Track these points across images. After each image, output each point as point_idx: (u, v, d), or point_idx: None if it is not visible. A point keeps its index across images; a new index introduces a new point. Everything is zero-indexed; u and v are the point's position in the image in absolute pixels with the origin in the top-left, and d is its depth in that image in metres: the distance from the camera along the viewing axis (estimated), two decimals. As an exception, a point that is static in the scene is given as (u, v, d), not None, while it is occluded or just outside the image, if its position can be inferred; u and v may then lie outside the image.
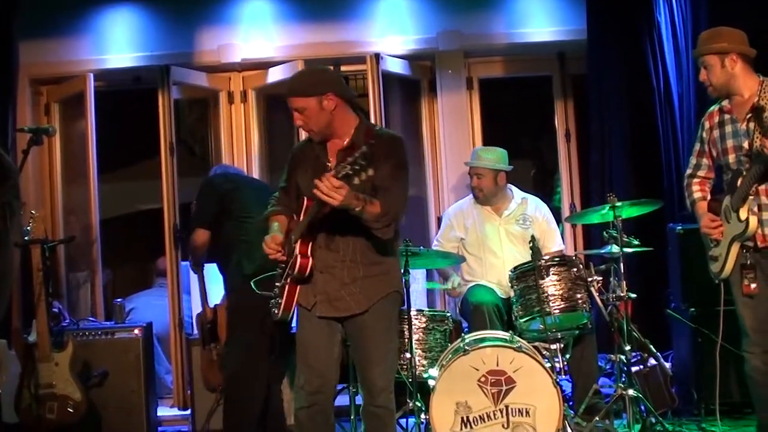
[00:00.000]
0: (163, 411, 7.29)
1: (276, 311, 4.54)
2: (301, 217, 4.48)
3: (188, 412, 6.86)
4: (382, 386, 4.52)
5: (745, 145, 4.78)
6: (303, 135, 4.88)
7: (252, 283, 4.92)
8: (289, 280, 4.50)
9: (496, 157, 6.65)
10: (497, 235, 6.59)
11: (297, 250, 4.45)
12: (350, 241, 4.49)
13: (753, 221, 4.82)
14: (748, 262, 4.83)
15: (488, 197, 6.63)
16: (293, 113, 4.52)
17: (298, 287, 4.53)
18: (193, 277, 6.50)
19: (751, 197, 4.78)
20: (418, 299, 6.95)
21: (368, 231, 4.43)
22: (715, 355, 5.24)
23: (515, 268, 5.91)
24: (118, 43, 7.84)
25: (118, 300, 7.11)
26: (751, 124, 4.74)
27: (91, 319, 7.30)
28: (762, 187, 4.77)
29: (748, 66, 4.90)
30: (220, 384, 5.99)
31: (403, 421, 5.84)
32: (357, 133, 4.55)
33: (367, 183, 4.18)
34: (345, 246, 4.50)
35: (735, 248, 4.86)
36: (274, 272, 4.65)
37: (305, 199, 4.49)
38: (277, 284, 4.56)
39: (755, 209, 4.78)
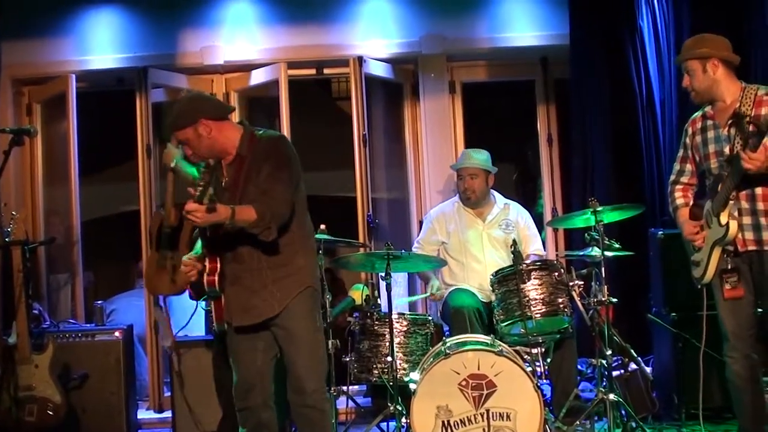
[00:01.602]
0: (145, 414, 7.26)
1: (212, 324, 4.78)
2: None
3: (168, 414, 6.82)
4: (312, 387, 4.61)
5: (726, 150, 4.82)
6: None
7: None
8: (206, 296, 4.68)
9: (486, 158, 6.69)
10: (480, 240, 6.60)
11: (207, 268, 4.60)
12: (253, 249, 4.59)
13: (733, 226, 4.84)
14: (729, 267, 4.86)
15: (479, 199, 6.65)
16: (182, 147, 4.69)
17: (222, 301, 4.66)
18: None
19: (731, 202, 4.81)
20: (400, 300, 6.96)
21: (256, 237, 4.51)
22: (697, 360, 5.26)
23: (497, 272, 5.92)
24: (101, 45, 7.81)
25: (99, 302, 7.08)
26: (733, 130, 4.78)
27: (71, 321, 7.26)
28: (742, 192, 4.80)
29: (731, 72, 4.93)
30: (171, 293, 5.91)
31: (384, 425, 5.84)
32: (241, 143, 4.64)
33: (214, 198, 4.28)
34: (249, 255, 4.61)
35: (716, 253, 4.89)
36: None
37: None
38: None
39: (735, 213, 4.80)
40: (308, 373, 4.60)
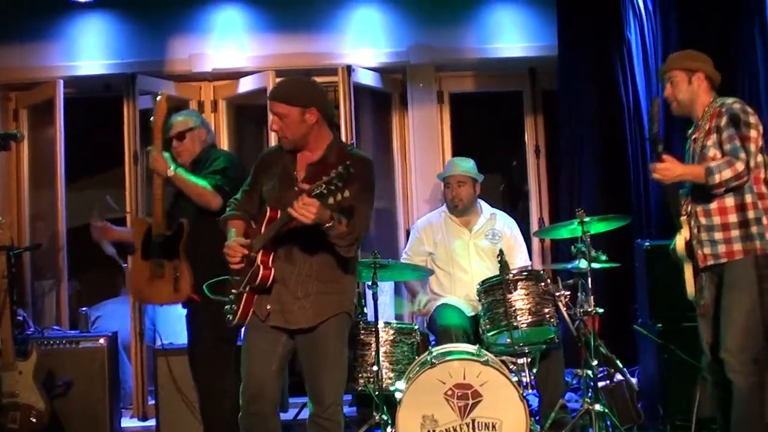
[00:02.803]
0: (129, 422, 7.23)
1: (231, 318, 4.57)
2: (263, 227, 4.49)
3: (152, 423, 6.79)
4: (331, 399, 4.54)
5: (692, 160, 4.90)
6: (273, 143, 4.87)
7: (204, 288, 4.94)
8: (248, 288, 4.50)
9: (473, 166, 6.71)
10: (466, 250, 6.60)
11: (259, 260, 4.46)
12: (309, 255, 4.51)
13: (677, 241, 4.91)
14: (701, 284, 4.91)
15: (466, 207, 6.66)
16: (272, 116, 4.54)
17: (255, 296, 4.55)
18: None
19: (682, 217, 4.89)
20: (385, 312, 6.94)
21: (329, 248, 4.44)
22: (682, 371, 5.29)
23: (483, 281, 5.92)
24: (89, 50, 7.80)
25: (84, 309, 7.06)
26: (714, 136, 4.82)
27: (55, 327, 7.24)
28: (699, 208, 4.86)
29: (711, 90, 4.99)
30: (171, 301, 5.67)
31: (369, 434, 5.83)
32: (329, 150, 4.58)
33: (341, 203, 4.18)
34: (303, 260, 4.51)
35: (687, 269, 4.94)
36: (226, 276, 4.66)
37: (269, 208, 4.50)
38: (233, 291, 4.57)
39: (684, 229, 4.87)
40: (330, 388, 4.54)
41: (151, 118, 5.50)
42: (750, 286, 4.71)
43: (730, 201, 4.77)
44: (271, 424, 4.62)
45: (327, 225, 4.22)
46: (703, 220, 4.84)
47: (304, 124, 4.50)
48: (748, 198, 4.76)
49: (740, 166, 4.64)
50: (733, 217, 4.77)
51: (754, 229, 4.73)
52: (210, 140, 5.85)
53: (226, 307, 4.59)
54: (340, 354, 4.62)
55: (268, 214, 4.49)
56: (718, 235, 4.79)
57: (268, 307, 4.52)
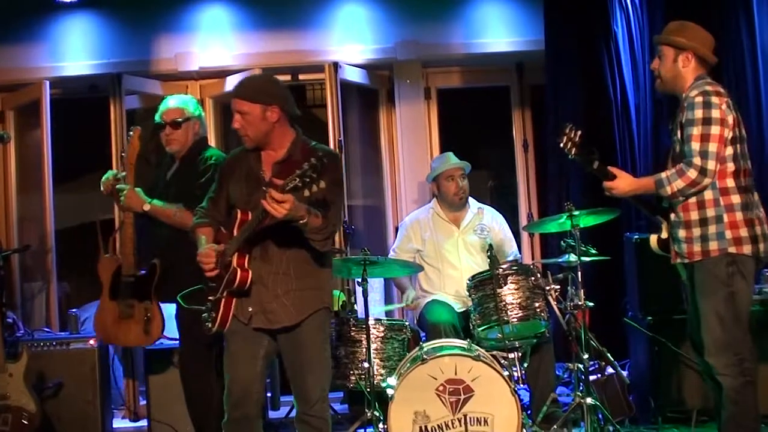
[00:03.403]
0: (120, 422, 7.22)
1: (211, 325, 4.54)
2: (235, 230, 4.47)
3: (144, 423, 6.78)
4: (317, 396, 4.54)
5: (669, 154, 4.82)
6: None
7: (179, 298, 4.93)
8: (225, 293, 4.48)
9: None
10: (455, 246, 6.60)
11: (235, 263, 4.43)
12: (285, 253, 4.49)
13: (651, 238, 4.89)
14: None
15: (464, 201, 6.65)
16: (234, 114, 4.52)
17: (234, 300, 4.53)
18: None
19: (658, 216, 4.85)
20: (375, 308, 6.94)
21: (304, 244, 4.42)
22: (673, 363, 5.27)
23: (473, 276, 5.91)
24: (75, 51, 7.78)
25: (73, 310, 7.03)
26: (679, 132, 4.73)
27: (45, 329, 7.22)
28: (678, 204, 4.74)
29: (703, 70, 4.80)
30: (140, 344, 5.64)
31: (361, 431, 5.82)
32: (293, 147, 4.57)
33: (316, 195, 4.16)
34: (279, 258, 4.50)
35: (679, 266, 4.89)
36: (200, 286, 4.65)
37: (239, 211, 4.48)
38: (210, 298, 4.54)
39: (663, 225, 4.84)
40: (315, 384, 4.54)
41: (123, 154, 5.47)
42: (716, 288, 4.60)
43: (692, 198, 4.64)
44: (256, 426, 4.63)
45: (302, 221, 4.22)
46: (672, 216, 4.76)
47: (265, 122, 4.48)
48: (709, 195, 4.62)
49: (693, 174, 4.52)
50: (694, 215, 4.65)
51: (712, 229, 4.60)
52: (202, 133, 5.76)
53: (203, 315, 4.58)
54: (323, 350, 4.63)
55: (239, 216, 4.47)
56: (681, 233, 4.70)
57: (250, 309, 4.51)
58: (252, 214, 4.37)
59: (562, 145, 4.71)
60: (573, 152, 4.71)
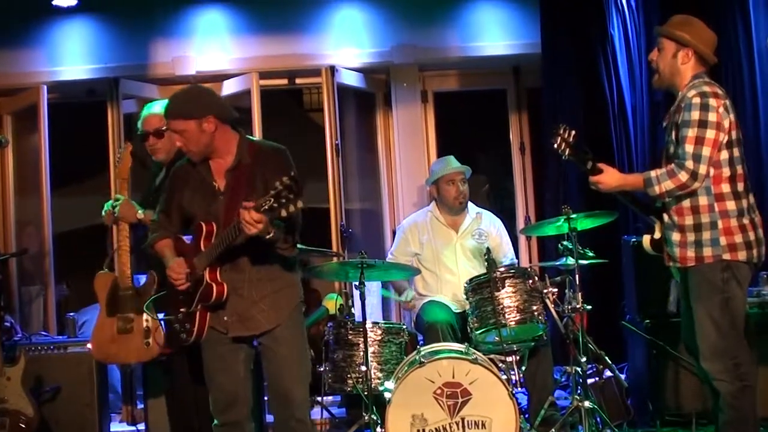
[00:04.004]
0: (118, 426, 7.22)
1: (186, 336, 4.54)
2: (202, 242, 4.47)
3: (141, 427, 6.77)
4: (300, 399, 4.56)
5: (671, 149, 4.72)
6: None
7: (145, 308, 4.95)
8: (199, 306, 4.48)
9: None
10: (453, 251, 6.59)
11: (207, 278, 4.44)
12: (255, 259, 4.50)
13: (644, 238, 4.87)
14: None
15: (464, 205, 6.65)
16: (175, 136, 4.49)
17: (208, 312, 4.53)
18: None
19: (651, 216, 4.82)
20: (373, 312, 6.93)
21: (266, 249, 4.43)
22: (671, 367, 5.25)
23: (471, 279, 5.90)
24: (72, 55, 7.78)
25: (71, 314, 7.03)
26: (673, 132, 4.68)
27: (43, 333, 7.21)
28: (671, 206, 4.68)
29: (701, 68, 4.72)
30: (141, 359, 5.45)
31: (359, 434, 5.83)
32: (240, 150, 4.55)
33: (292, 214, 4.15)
34: (250, 265, 4.51)
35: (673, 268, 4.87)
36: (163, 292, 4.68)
37: (203, 223, 4.48)
38: (182, 309, 4.54)
39: (656, 227, 4.82)
40: (296, 384, 4.54)
41: (115, 166, 5.47)
42: (711, 294, 4.56)
43: (686, 203, 4.59)
44: (248, 430, 4.64)
45: (269, 237, 4.23)
46: (665, 218, 4.71)
47: (204, 134, 4.45)
48: (704, 200, 4.56)
49: (684, 176, 4.46)
50: (688, 220, 4.59)
51: (707, 235, 4.55)
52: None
53: (175, 326, 4.58)
54: (303, 350, 4.66)
55: (204, 228, 4.47)
56: (675, 237, 4.64)
57: (226, 318, 4.52)
58: (215, 226, 4.41)
59: (555, 145, 4.68)
60: (567, 153, 4.68)
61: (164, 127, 5.45)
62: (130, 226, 5.41)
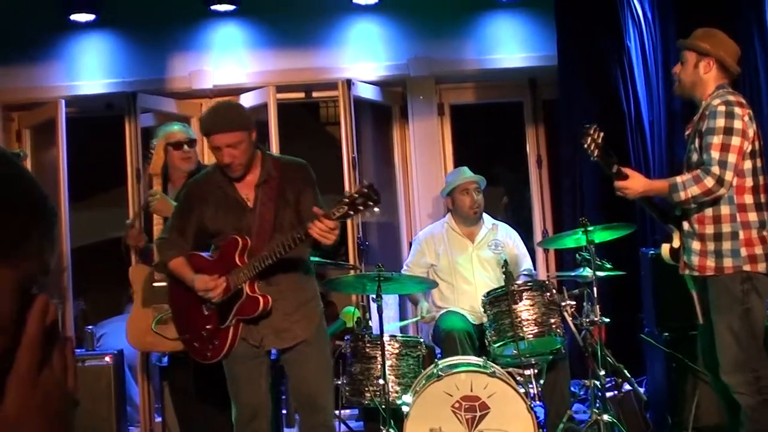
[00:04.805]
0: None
1: (211, 354, 4.59)
2: (237, 258, 4.48)
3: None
4: (330, 407, 4.66)
5: (693, 157, 4.73)
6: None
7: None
8: (234, 320, 4.49)
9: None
10: (469, 261, 6.58)
11: (247, 291, 4.46)
12: (285, 272, 4.56)
13: (662, 248, 4.85)
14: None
15: (479, 215, 6.64)
16: (221, 150, 4.45)
17: (241, 326, 4.56)
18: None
19: (669, 224, 4.81)
20: (390, 325, 6.92)
21: (296, 259, 4.51)
22: (690, 380, 5.22)
23: (488, 293, 5.90)
24: (90, 70, 7.81)
25: (89, 327, 7.05)
26: (697, 140, 4.69)
27: (61, 347, 7.20)
28: (685, 213, 4.71)
29: (724, 79, 4.74)
30: (177, 348, 5.42)
31: (377, 448, 5.81)
32: (265, 165, 4.60)
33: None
34: (284, 279, 4.57)
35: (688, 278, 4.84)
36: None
37: (237, 238, 4.50)
38: (207, 326, 4.55)
39: (675, 236, 4.79)
40: (326, 393, 4.63)
41: (148, 164, 5.54)
42: (731, 305, 4.56)
43: (708, 212, 4.61)
44: None
45: (332, 242, 4.28)
46: (686, 226, 4.71)
47: (251, 147, 4.51)
48: (726, 209, 4.58)
49: (710, 182, 4.46)
50: (709, 229, 4.60)
51: (727, 245, 4.55)
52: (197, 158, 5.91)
53: (194, 345, 4.61)
54: (328, 356, 4.77)
55: (240, 242, 4.48)
56: (695, 245, 4.65)
57: (260, 332, 4.54)
58: (251, 240, 4.45)
59: (585, 145, 4.69)
60: (595, 153, 4.69)
61: (193, 139, 5.58)
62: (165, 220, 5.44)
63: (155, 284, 5.52)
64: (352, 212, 4.08)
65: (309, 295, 4.68)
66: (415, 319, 6.74)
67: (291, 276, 4.57)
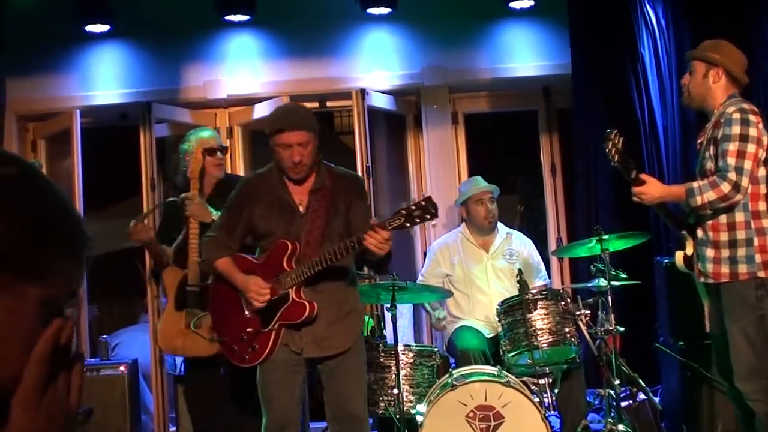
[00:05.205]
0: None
1: (249, 357, 4.57)
2: (285, 263, 4.48)
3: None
4: (366, 419, 4.66)
5: (708, 164, 4.73)
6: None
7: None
8: (277, 325, 4.49)
9: None
10: (484, 271, 6.57)
11: (293, 296, 4.46)
12: (332, 280, 4.55)
13: (677, 255, 4.83)
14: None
15: (494, 225, 6.63)
16: (291, 148, 4.48)
17: (283, 331, 4.55)
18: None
19: (683, 231, 4.80)
20: (405, 334, 6.91)
21: (343, 268, 4.50)
22: (706, 389, 5.20)
23: (503, 302, 5.89)
24: (105, 80, 7.84)
25: (104, 336, 7.06)
26: (711, 148, 4.70)
27: (76, 356, 7.22)
28: (699, 221, 4.72)
29: (734, 89, 4.77)
30: (206, 353, 5.43)
31: (391, 458, 5.80)
32: (320, 173, 4.61)
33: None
34: (329, 287, 4.55)
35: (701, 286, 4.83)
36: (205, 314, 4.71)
37: (287, 242, 4.50)
38: (248, 329, 4.54)
39: (688, 243, 4.78)
40: (363, 405, 4.66)
41: (187, 167, 5.54)
42: (745, 312, 4.56)
43: (722, 218, 4.62)
44: None
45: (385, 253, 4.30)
46: (699, 234, 4.72)
47: (315, 151, 4.55)
48: (740, 217, 4.59)
49: (726, 188, 4.47)
50: (723, 236, 4.61)
51: (741, 252, 4.56)
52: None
53: (233, 348, 4.60)
54: (364, 368, 4.77)
55: (289, 247, 4.48)
56: (709, 252, 4.65)
57: (302, 339, 4.53)
58: (300, 245, 4.46)
59: (607, 150, 4.71)
60: (616, 159, 4.72)
61: (225, 147, 5.61)
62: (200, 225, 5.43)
63: (188, 288, 5.51)
64: (408, 224, 4.10)
65: (352, 306, 4.68)
66: (432, 312, 6.68)
67: (337, 285, 4.57)
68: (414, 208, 4.09)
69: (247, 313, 4.58)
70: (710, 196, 4.51)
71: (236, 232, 4.67)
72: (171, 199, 5.89)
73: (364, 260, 4.57)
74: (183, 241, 5.58)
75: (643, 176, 4.74)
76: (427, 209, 4.08)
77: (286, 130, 4.48)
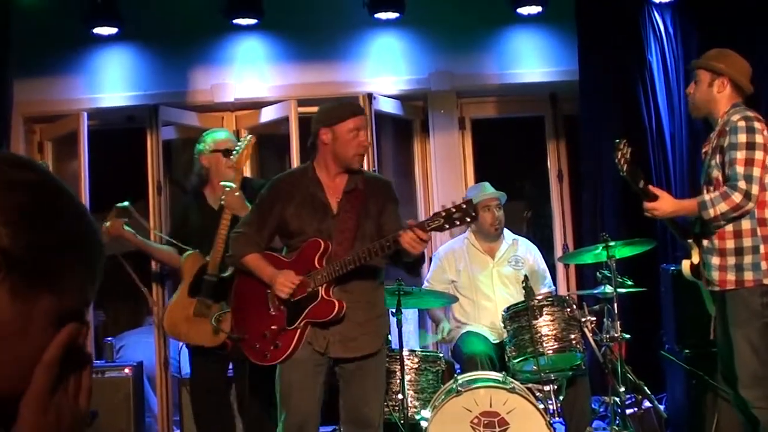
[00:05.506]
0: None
1: (271, 356, 4.53)
2: (317, 261, 4.47)
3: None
4: (378, 424, 4.61)
5: (715, 173, 4.73)
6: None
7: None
8: (303, 323, 4.47)
9: None
10: (490, 277, 6.56)
11: (323, 294, 4.45)
12: (361, 281, 4.53)
13: (683, 264, 4.83)
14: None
15: (500, 232, 6.62)
16: (359, 133, 4.56)
17: (309, 329, 4.52)
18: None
19: (689, 240, 4.79)
20: (410, 339, 6.90)
21: (373, 270, 4.51)
22: (713, 397, 5.20)
23: (508, 308, 5.88)
24: (112, 82, 7.84)
25: (109, 339, 7.06)
26: (717, 156, 4.69)
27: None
28: (705, 229, 4.71)
29: (738, 98, 4.78)
30: (208, 343, 5.48)
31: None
32: (353, 174, 4.59)
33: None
34: (358, 287, 4.53)
35: (706, 294, 4.83)
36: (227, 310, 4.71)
37: (319, 240, 4.50)
38: (272, 326, 4.52)
39: (694, 251, 4.78)
40: (379, 411, 4.63)
41: (233, 156, 5.52)
42: (750, 319, 4.56)
43: (729, 226, 4.61)
44: None
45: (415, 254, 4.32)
46: (705, 242, 4.72)
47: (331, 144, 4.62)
48: (747, 224, 4.59)
49: (737, 197, 4.48)
50: (730, 243, 4.61)
51: (748, 259, 4.56)
52: None
53: (255, 345, 4.57)
54: (384, 377, 4.78)
55: (321, 245, 4.48)
56: (715, 260, 4.65)
57: (327, 338, 4.51)
58: (332, 245, 4.46)
59: (616, 160, 4.71)
60: (625, 169, 4.72)
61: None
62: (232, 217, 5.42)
63: (206, 277, 5.50)
64: (447, 225, 4.12)
65: (380, 310, 4.69)
66: (435, 338, 6.72)
67: (366, 286, 4.56)
68: (454, 210, 4.09)
69: (272, 310, 4.56)
70: (723, 207, 4.51)
71: (266, 229, 4.67)
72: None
73: (397, 261, 4.55)
74: (204, 227, 5.61)
75: (655, 190, 4.74)
76: (468, 212, 4.08)
77: (357, 114, 4.58)
